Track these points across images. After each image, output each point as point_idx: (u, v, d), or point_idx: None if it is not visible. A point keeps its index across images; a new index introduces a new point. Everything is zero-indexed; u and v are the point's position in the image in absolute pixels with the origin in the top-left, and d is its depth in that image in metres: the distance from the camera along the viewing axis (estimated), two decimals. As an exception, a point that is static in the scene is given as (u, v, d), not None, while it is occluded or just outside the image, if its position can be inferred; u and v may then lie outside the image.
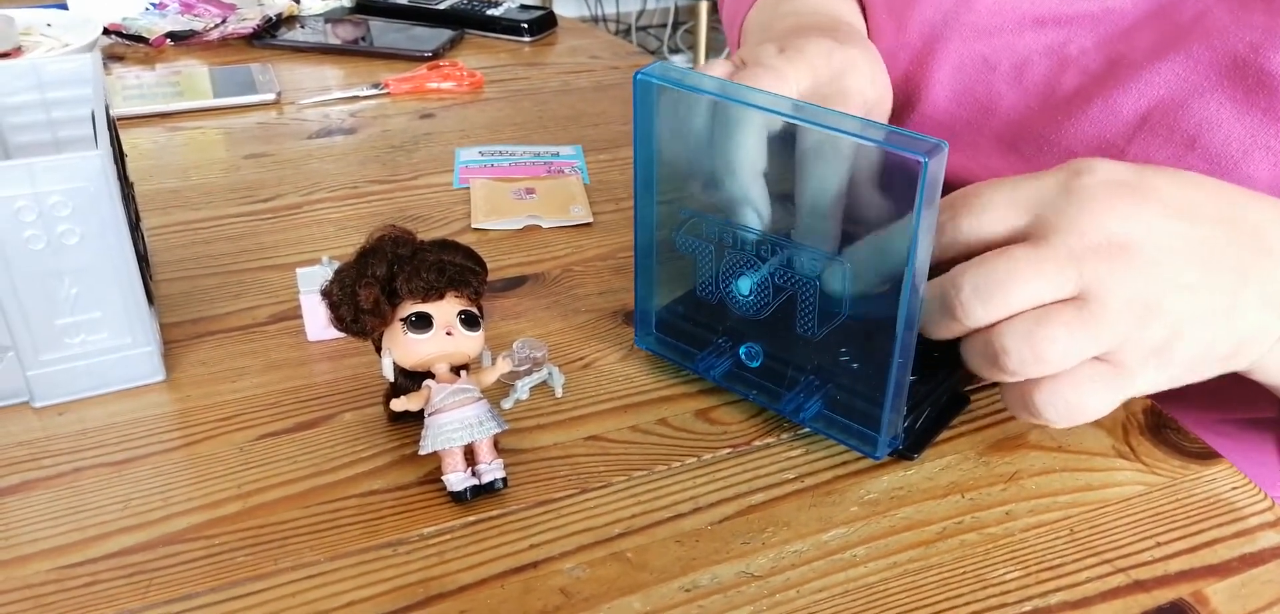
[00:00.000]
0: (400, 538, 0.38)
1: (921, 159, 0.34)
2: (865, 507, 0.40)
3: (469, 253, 0.42)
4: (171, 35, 0.94)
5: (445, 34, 0.98)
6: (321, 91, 0.84)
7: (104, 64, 0.74)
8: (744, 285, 0.43)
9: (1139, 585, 0.37)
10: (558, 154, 0.73)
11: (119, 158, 0.48)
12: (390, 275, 0.40)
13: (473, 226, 0.62)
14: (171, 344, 0.50)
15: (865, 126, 0.37)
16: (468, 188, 0.67)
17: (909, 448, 0.42)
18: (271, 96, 0.81)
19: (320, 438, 0.44)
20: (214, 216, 0.63)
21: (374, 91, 0.84)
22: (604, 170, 0.71)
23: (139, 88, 0.83)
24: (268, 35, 0.97)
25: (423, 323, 0.40)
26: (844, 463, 0.42)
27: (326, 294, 0.41)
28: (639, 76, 0.42)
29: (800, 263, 0.41)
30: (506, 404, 0.46)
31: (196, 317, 0.52)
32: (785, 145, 0.41)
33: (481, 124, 0.79)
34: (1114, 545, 0.39)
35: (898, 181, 0.35)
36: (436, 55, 0.93)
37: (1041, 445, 0.44)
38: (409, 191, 0.67)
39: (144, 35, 0.93)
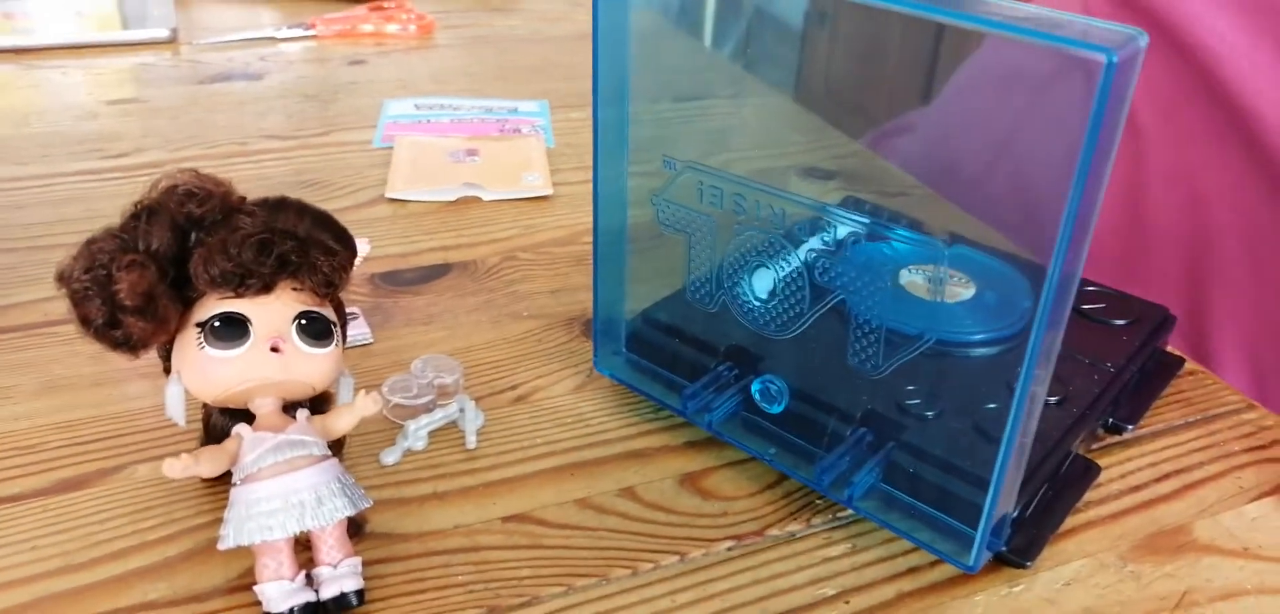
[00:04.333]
0: (163, 703, 0.22)
1: (1104, 56, 0.18)
2: (954, 652, 0.25)
3: (323, 219, 0.27)
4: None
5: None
6: (235, 31, 0.68)
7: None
8: (764, 283, 0.27)
9: None
10: (516, 110, 0.57)
11: None
12: (181, 251, 0.24)
13: (387, 196, 0.46)
14: (-91, 348, 0.34)
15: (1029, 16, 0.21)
16: (391, 147, 0.51)
17: (1017, 550, 0.29)
18: (163, 34, 0.65)
19: (85, 505, 0.28)
20: (41, 175, 0.47)
21: (297, 32, 0.68)
22: (576, 130, 0.56)
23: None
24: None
25: (232, 331, 0.24)
26: (914, 571, 0.28)
27: (65, 278, 0.25)
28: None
29: (865, 250, 0.24)
30: (389, 458, 0.30)
31: (-36, 307, 0.36)
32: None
33: (425, 74, 0.64)
34: None
35: (1066, 92, 0.19)
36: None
37: (1217, 546, 0.29)
38: (313, 150, 0.52)
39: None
